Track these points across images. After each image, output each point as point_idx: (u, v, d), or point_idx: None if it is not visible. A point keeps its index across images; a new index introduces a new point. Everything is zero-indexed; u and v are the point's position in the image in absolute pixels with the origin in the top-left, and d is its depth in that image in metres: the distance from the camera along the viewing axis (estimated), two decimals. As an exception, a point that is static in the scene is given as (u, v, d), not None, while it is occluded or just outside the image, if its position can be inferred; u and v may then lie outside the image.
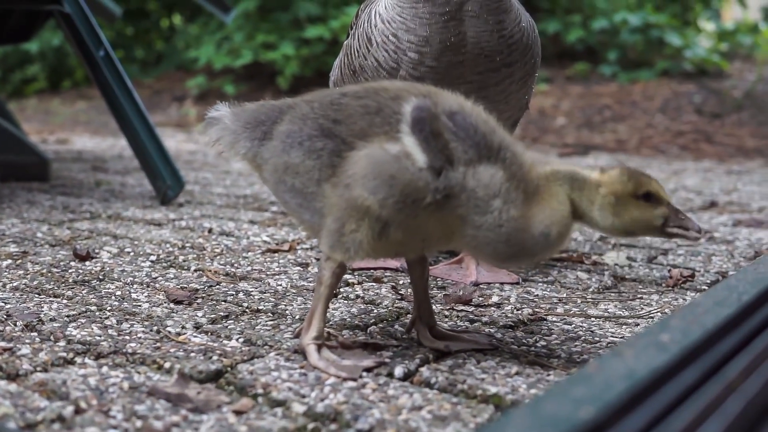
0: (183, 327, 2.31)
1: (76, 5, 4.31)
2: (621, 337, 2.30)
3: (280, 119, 2.08)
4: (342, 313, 2.47)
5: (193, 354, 2.09)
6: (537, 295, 2.70)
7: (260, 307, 2.50)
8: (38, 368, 1.99)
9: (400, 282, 2.81)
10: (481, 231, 1.95)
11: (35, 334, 2.24)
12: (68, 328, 2.28)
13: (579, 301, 2.64)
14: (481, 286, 2.80)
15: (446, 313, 2.50)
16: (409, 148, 1.92)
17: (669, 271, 2.99)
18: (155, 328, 2.30)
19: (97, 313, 2.42)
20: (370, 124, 1.98)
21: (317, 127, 2.02)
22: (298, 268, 2.98)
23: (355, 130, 1.99)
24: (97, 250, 3.15)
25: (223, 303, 2.55)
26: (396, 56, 2.67)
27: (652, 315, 2.51)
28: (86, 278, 2.79)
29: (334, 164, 1.99)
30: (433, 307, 2.47)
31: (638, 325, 2.42)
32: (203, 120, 2.21)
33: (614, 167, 1.99)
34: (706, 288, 2.83)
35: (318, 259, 3.06)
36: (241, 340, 2.22)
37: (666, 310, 2.56)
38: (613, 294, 2.74)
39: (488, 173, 1.93)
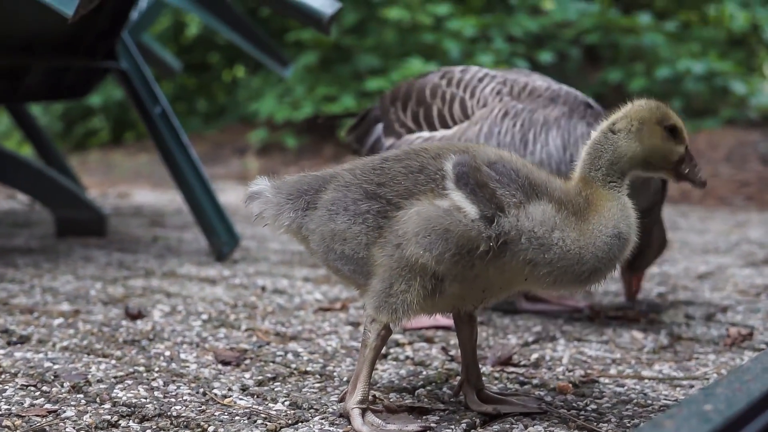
0: (229, 389, 2.29)
1: (133, 62, 4.35)
2: (674, 400, 2.25)
3: (323, 188, 2.09)
4: (390, 374, 2.44)
5: (237, 417, 2.08)
6: (590, 355, 2.66)
7: (308, 369, 2.48)
8: (81, 432, 1.98)
9: (451, 342, 2.77)
10: (555, 265, 1.96)
11: (81, 395, 2.24)
12: (114, 390, 2.27)
13: (633, 361, 2.59)
14: (532, 345, 2.76)
15: (496, 374, 2.46)
16: (458, 202, 1.94)
17: (727, 329, 2.92)
18: (201, 390, 2.28)
19: (145, 374, 2.42)
20: (414, 182, 1.99)
21: (361, 192, 2.03)
22: (350, 327, 2.95)
23: (400, 190, 2.00)
24: (149, 309, 3.15)
25: (271, 364, 2.53)
26: None
27: (707, 376, 2.45)
28: (136, 338, 2.78)
29: (380, 226, 1.99)
30: (483, 368, 2.44)
31: (693, 386, 2.37)
32: (264, 173, 2.22)
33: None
34: (765, 347, 2.76)
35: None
36: (287, 403, 2.20)
37: (722, 371, 2.50)
38: (668, 354, 2.69)
39: (539, 210, 1.96)
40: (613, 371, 2.49)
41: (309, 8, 3.64)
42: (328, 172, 2.14)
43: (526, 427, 2.04)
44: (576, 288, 2.07)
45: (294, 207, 2.10)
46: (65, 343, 2.71)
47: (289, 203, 2.11)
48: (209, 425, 2.02)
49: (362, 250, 2.01)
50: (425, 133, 3.06)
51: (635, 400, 2.24)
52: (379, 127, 3.25)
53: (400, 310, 1.99)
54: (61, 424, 2.02)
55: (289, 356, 2.61)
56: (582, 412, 2.15)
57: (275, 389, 2.30)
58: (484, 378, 2.25)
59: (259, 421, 2.05)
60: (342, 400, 2.18)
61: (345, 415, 2.06)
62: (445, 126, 3.04)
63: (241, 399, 2.22)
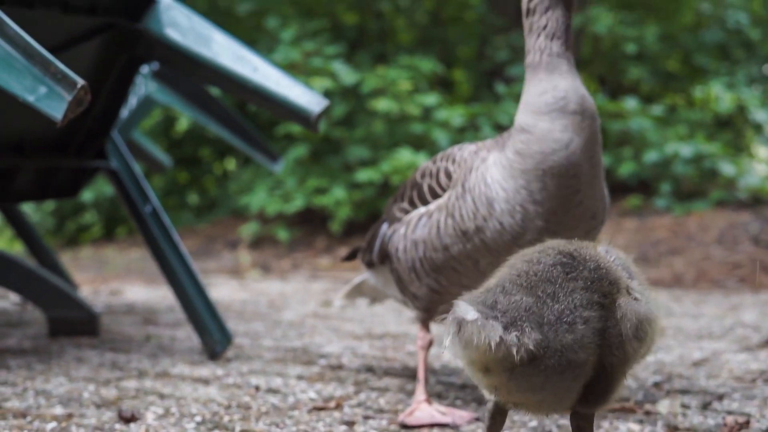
0: (224, 495, 2.27)
1: (122, 161, 4.36)
2: (674, 496, 2.22)
3: (535, 302, 2.08)
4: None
5: None
6: (587, 450, 2.63)
7: (303, 472, 2.46)
8: None
9: (447, 439, 2.75)
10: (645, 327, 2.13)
11: (74, 505, 2.21)
12: (108, 499, 2.24)
13: (630, 456, 2.57)
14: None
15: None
16: (637, 292, 2.16)
17: (724, 418, 2.90)
18: (195, 497, 2.26)
19: (138, 482, 2.39)
20: (609, 284, 2.12)
21: (585, 299, 2.09)
22: (344, 427, 2.92)
23: (605, 291, 2.11)
24: (142, 411, 3.12)
25: (265, 467, 2.50)
26: (523, 224, 2.83)
27: (706, 470, 2.43)
28: (129, 443, 2.76)
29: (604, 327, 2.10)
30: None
31: (692, 481, 2.34)
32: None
33: None
34: (763, 437, 2.74)
35: (365, 417, 3.01)
36: (282, 508, 2.17)
37: (721, 464, 2.48)
38: (666, 446, 2.66)
39: (635, 283, 2.20)
40: (610, 467, 2.47)
41: (297, 106, 3.67)
42: (522, 281, 2.13)
43: None
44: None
45: (531, 325, 2.02)
46: (58, 450, 2.69)
47: (533, 324, 2.03)
48: None
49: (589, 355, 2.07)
50: (421, 209, 3.06)
51: (634, 497, 2.22)
52: (384, 226, 3.28)
53: None
54: None
55: (284, 458, 2.58)
56: None
57: (270, 494, 2.28)
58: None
59: None
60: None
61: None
62: (436, 196, 3.04)
63: (235, 505, 2.20)
